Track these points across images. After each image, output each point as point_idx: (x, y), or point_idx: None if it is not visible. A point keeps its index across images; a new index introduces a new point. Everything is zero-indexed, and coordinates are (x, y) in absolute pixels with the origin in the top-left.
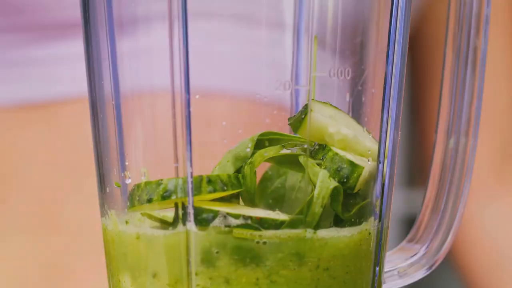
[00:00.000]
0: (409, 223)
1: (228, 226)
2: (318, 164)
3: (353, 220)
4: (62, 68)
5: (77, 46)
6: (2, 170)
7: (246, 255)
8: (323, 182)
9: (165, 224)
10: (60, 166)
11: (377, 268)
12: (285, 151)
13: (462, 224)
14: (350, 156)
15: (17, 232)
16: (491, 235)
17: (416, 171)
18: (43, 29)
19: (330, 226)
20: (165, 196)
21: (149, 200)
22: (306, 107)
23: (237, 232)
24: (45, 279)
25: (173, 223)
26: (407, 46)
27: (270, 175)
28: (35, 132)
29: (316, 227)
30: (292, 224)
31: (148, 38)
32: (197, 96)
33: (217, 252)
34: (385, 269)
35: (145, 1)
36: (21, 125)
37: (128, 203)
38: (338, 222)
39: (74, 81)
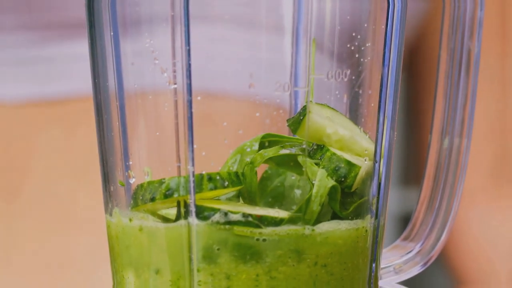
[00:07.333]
0: (404, 221)
1: (229, 223)
2: (316, 164)
3: (350, 218)
4: (74, 66)
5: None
6: (15, 166)
7: (247, 252)
8: (321, 181)
9: (167, 222)
10: (71, 162)
11: (374, 265)
12: (284, 151)
13: (459, 227)
14: (347, 156)
15: (28, 228)
16: (487, 237)
17: (411, 170)
18: (57, 28)
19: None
20: (168, 195)
21: (152, 199)
22: (304, 108)
23: (238, 229)
24: (55, 274)
25: (176, 221)
26: (403, 48)
27: (269, 174)
28: (47, 129)
29: (314, 224)
30: (291, 222)
31: (151, 42)
32: (199, 98)
33: (218, 249)
34: (382, 266)
35: (148, 5)
36: (34, 122)
37: (132, 203)
38: (336, 219)
39: (86, 79)
